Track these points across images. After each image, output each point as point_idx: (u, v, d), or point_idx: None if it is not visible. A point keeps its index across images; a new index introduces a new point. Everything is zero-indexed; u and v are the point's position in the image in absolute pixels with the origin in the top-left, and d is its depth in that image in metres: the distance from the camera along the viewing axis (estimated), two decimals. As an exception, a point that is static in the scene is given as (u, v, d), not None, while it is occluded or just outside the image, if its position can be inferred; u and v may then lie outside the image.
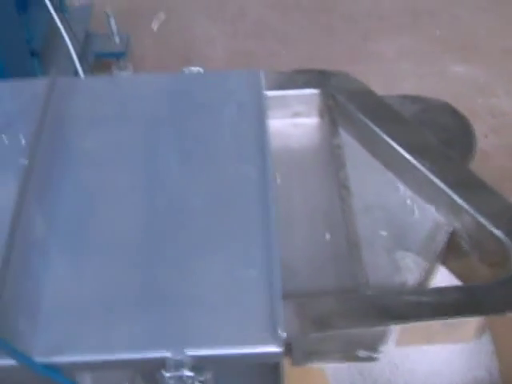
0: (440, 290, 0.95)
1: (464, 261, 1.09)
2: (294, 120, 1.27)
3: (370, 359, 0.96)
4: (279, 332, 0.86)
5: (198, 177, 1.08)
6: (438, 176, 1.08)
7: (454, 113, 1.30)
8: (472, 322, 1.02)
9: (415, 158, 1.11)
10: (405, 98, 1.32)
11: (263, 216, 1.01)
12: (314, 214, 1.11)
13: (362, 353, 0.95)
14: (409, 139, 1.14)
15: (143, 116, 1.18)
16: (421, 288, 0.99)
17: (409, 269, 1.04)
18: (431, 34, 2.88)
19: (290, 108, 1.26)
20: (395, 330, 0.97)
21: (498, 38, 2.84)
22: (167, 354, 0.85)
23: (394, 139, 1.14)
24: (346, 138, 1.23)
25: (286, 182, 1.16)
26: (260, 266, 0.95)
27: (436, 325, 0.99)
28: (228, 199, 1.04)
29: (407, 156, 1.11)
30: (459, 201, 1.05)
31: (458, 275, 1.13)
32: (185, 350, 0.86)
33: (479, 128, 2.40)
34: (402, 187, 1.15)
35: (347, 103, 1.21)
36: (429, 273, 1.07)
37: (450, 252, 1.11)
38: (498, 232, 1.00)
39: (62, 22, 2.15)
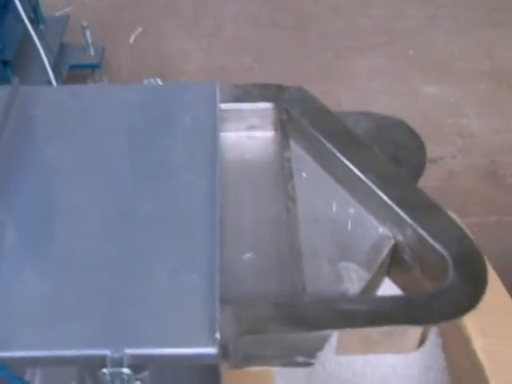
0: (376, 300, 0.98)
1: (407, 273, 1.12)
2: (248, 133, 1.30)
3: (307, 364, 0.98)
4: (215, 334, 0.88)
5: (149, 185, 1.10)
6: (383, 190, 1.11)
7: (407, 130, 1.33)
8: (412, 333, 1.04)
9: (362, 173, 1.13)
10: (360, 114, 1.35)
11: (208, 224, 1.03)
12: (262, 224, 1.13)
13: (299, 358, 0.98)
14: (357, 155, 1.17)
15: (100, 126, 1.20)
16: (357, 297, 1.02)
17: (350, 279, 1.06)
18: (405, 54, 2.94)
19: (245, 121, 1.29)
20: (333, 337, 1.00)
21: (471, 61, 2.91)
22: (107, 352, 0.88)
23: (343, 154, 1.17)
24: (299, 152, 1.26)
25: (236, 192, 1.19)
26: (201, 271, 0.97)
27: (374, 334, 1.01)
28: (176, 207, 1.07)
29: (355, 170, 1.14)
30: (402, 214, 1.08)
31: (402, 288, 1.16)
32: (124, 349, 0.89)
33: (447, 148, 2.46)
34: (350, 201, 1.17)
35: (300, 118, 1.24)
36: (371, 284, 1.09)
37: (394, 264, 1.14)
38: (437, 245, 1.03)
39: (36, 32, 2.18)
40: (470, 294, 0.97)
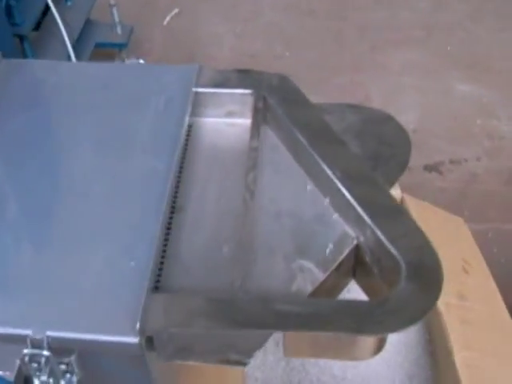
0: (316, 303, 0.92)
1: (369, 277, 1.06)
2: (228, 119, 1.25)
3: (241, 364, 0.93)
4: (138, 324, 0.85)
5: (104, 166, 1.08)
6: (347, 188, 1.05)
7: (395, 125, 1.26)
8: (361, 340, 0.99)
9: (329, 168, 1.08)
10: (347, 107, 1.29)
11: (156, 211, 1.00)
12: (221, 215, 1.09)
13: (233, 356, 0.93)
14: (328, 149, 1.11)
15: (70, 101, 1.19)
16: (298, 298, 0.96)
17: (303, 279, 1.01)
18: (442, 49, 2.82)
19: (223, 107, 1.24)
20: (280, 338, 0.95)
21: (511, 61, 2.77)
22: (28, 332, 0.87)
23: (313, 148, 1.11)
24: (275, 141, 1.21)
25: (202, 180, 1.15)
26: (141, 258, 0.94)
27: (322, 338, 0.96)
28: (128, 190, 1.04)
29: (322, 165, 1.09)
30: (363, 215, 1.02)
31: (366, 292, 1.10)
32: (46, 331, 0.87)
33: (473, 150, 2.35)
34: (318, 196, 1.12)
35: (277, 107, 1.19)
36: (329, 285, 1.04)
37: (358, 267, 1.08)
38: (393, 250, 0.97)
39: (59, 7, 2.19)
40: (418, 305, 0.91)
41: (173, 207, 1.11)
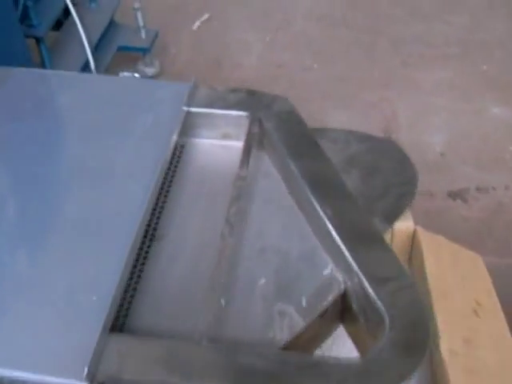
0: (287, 359, 0.84)
1: (356, 326, 0.97)
2: (223, 142, 1.18)
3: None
4: (86, 368, 0.78)
5: (80, 188, 1.01)
6: (338, 230, 0.96)
7: (400, 156, 1.17)
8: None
9: (322, 208, 0.99)
10: (351, 133, 1.20)
11: (129, 240, 0.93)
12: (204, 248, 1.01)
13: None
14: (322, 184, 1.03)
15: (53, 116, 1.14)
16: (268, 351, 0.87)
17: (282, 325, 0.93)
18: (478, 69, 2.69)
19: (218, 128, 1.17)
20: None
21: (551, 85, 2.63)
22: None
23: (306, 180, 1.03)
24: (270, 168, 1.13)
25: (186, 207, 1.08)
26: (104, 293, 0.87)
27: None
28: (101, 217, 0.98)
29: (313, 201, 1.00)
30: (351, 261, 0.93)
31: (353, 340, 1.01)
32: (-5, 368, 0.80)
33: (502, 177, 2.22)
34: (308, 233, 1.03)
35: (274, 132, 1.11)
36: (312, 332, 0.95)
37: (345, 313, 0.99)
38: (379, 303, 0.88)
39: (80, 9, 2.14)
40: (398, 370, 0.81)
41: (153, 235, 1.04)
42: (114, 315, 0.87)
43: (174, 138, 1.07)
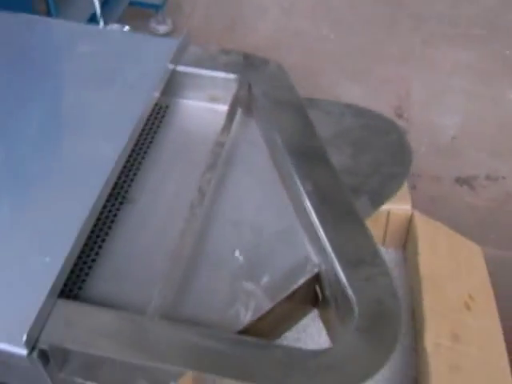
0: (245, 343, 0.77)
1: (328, 312, 0.91)
2: (209, 104, 1.11)
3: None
4: (24, 334, 0.73)
5: (49, 138, 0.95)
6: (316, 208, 0.89)
7: (397, 136, 1.09)
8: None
9: (303, 184, 0.92)
10: (348, 107, 1.13)
11: (88, 202, 0.87)
12: (174, 216, 0.95)
13: (142, 383, 0.80)
14: (305, 158, 0.96)
15: (34, 63, 1.07)
16: (225, 333, 0.81)
17: (246, 305, 0.86)
18: (501, 53, 2.58)
19: (205, 90, 1.10)
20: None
21: None
22: None
23: (290, 153, 0.96)
24: (256, 137, 1.06)
25: (164, 171, 1.01)
26: (57, 254, 0.81)
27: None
28: (67, 176, 0.91)
29: (295, 176, 0.93)
30: (326, 242, 0.86)
31: (324, 326, 0.95)
32: None
33: (513, 166, 2.13)
34: (288, 210, 0.97)
35: (261, 97, 1.04)
36: (281, 314, 0.89)
37: (318, 298, 0.93)
38: (350, 290, 0.81)
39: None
40: (362, 364, 0.75)
41: (124, 197, 0.98)
42: (65, 279, 0.81)
43: (155, 95, 1.00)
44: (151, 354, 0.74)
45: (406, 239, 1.53)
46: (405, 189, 1.49)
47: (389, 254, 1.58)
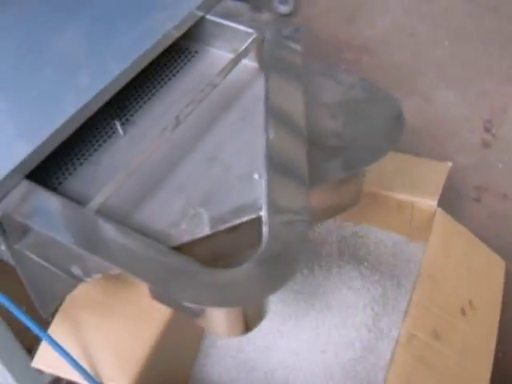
0: (164, 254, 0.86)
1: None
2: (232, 56, 1.19)
3: (81, 280, 0.92)
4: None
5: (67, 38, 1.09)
6: (273, 162, 0.97)
7: (397, 114, 1.11)
8: (216, 314, 0.91)
9: (270, 133, 0.99)
10: (361, 81, 1.15)
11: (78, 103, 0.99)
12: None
13: (75, 269, 0.91)
14: (282, 116, 1.03)
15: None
16: (157, 245, 0.89)
17: (188, 227, 0.95)
18: None
19: (228, 42, 1.19)
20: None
21: None
22: None
23: (271, 107, 1.03)
24: (260, 89, 1.13)
25: (168, 104, 1.12)
26: (36, 140, 0.93)
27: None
28: (73, 75, 1.04)
29: (268, 127, 1.01)
30: (266, 191, 0.93)
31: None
32: None
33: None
34: (260, 156, 1.03)
35: (268, 55, 1.11)
36: (217, 242, 0.96)
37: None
38: (265, 228, 0.88)
39: None
40: (258, 285, 0.82)
41: (127, 119, 1.10)
42: (36, 163, 0.92)
43: (175, 33, 1.10)
44: (87, 244, 0.85)
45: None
46: (438, 185, 1.49)
47: (413, 247, 1.58)
